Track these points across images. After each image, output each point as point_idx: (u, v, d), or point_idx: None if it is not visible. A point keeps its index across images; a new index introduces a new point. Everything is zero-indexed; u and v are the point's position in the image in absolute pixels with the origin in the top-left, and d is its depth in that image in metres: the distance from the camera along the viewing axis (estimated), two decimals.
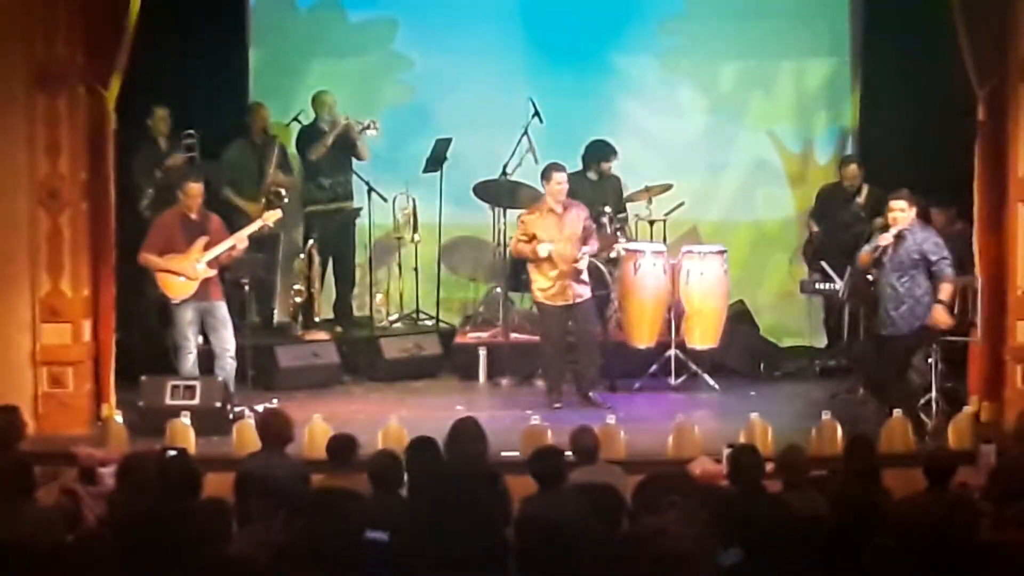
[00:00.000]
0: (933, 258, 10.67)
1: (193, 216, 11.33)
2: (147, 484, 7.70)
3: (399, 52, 13.79)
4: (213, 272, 11.29)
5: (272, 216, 11.70)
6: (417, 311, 13.50)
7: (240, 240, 11.39)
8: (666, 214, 12.90)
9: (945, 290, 10.69)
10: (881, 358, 10.91)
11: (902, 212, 10.70)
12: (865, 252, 10.91)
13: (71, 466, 9.00)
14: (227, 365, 11.30)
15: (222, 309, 11.37)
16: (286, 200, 12.60)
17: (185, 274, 11.21)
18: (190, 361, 11.29)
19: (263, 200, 12.55)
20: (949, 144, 11.79)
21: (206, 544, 6.78)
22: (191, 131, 12.44)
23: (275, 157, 12.74)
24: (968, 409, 10.66)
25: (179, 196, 11.38)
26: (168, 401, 10.86)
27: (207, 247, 11.26)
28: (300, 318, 12.85)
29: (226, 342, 11.32)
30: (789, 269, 13.53)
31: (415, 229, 13.29)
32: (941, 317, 10.70)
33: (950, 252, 10.72)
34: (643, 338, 12.22)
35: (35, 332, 10.97)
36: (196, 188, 11.32)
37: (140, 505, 7.40)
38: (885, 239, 10.71)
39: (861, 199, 12.74)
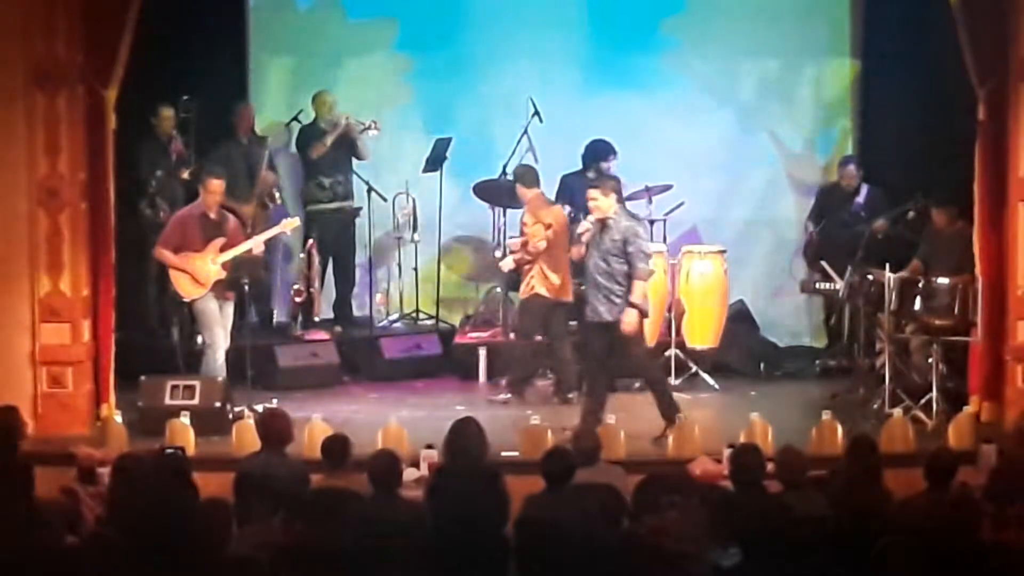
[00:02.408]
0: (630, 249, 10.41)
1: (212, 215, 11.30)
2: (141, 483, 7.69)
3: (399, 52, 13.78)
4: (224, 274, 11.26)
5: (291, 224, 11.71)
6: (417, 311, 13.49)
7: (257, 245, 11.38)
8: (666, 214, 12.89)
9: (636, 289, 10.42)
10: (586, 347, 10.77)
11: (593, 201, 10.56)
12: (573, 246, 10.88)
13: (71, 466, 8.98)
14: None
15: (229, 309, 11.37)
16: (279, 202, 12.61)
17: (198, 274, 11.20)
18: (219, 360, 11.21)
19: (255, 202, 12.52)
20: (949, 144, 11.78)
21: (206, 544, 6.76)
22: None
23: (266, 158, 12.72)
24: (968, 409, 10.65)
25: (199, 191, 11.37)
26: (168, 401, 10.85)
27: (223, 249, 11.23)
28: (300, 318, 12.85)
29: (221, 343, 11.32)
30: (789, 269, 13.51)
31: (415, 229, 13.29)
32: (628, 321, 10.41)
33: (953, 252, 10.63)
34: None
35: (34, 332, 10.95)
36: (218, 184, 11.24)
37: (135, 505, 7.38)
38: (583, 226, 10.60)
39: (861, 199, 12.74)
